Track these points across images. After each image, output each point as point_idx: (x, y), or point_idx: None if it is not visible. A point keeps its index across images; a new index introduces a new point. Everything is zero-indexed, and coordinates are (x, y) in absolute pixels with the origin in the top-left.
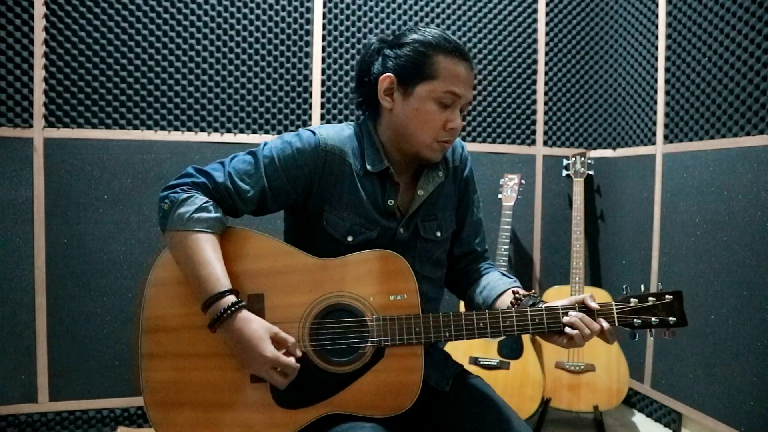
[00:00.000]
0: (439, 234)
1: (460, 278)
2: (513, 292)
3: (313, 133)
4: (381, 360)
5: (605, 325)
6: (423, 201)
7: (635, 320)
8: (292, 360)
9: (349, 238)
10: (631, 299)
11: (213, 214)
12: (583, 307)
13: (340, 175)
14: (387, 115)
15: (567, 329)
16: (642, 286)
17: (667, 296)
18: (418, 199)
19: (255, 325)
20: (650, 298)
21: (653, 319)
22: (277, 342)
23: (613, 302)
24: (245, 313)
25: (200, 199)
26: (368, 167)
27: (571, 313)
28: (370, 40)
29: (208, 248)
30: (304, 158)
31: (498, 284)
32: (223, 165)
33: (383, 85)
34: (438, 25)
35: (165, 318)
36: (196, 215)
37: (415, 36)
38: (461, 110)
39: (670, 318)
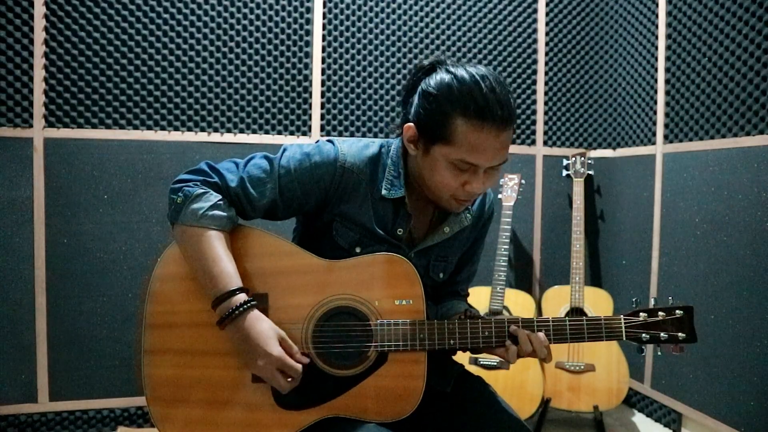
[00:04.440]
0: (441, 275)
1: (433, 298)
2: (465, 310)
3: (334, 146)
4: (384, 365)
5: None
6: (444, 239)
7: (644, 335)
8: (298, 364)
9: (357, 249)
10: (641, 313)
11: (226, 213)
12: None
13: (355, 194)
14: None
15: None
16: (652, 300)
17: (677, 312)
18: (442, 234)
19: (265, 325)
20: (660, 313)
21: (662, 334)
22: (283, 347)
23: (622, 316)
24: (256, 313)
25: (215, 196)
26: (383, 192)
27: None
28: (420, 61)
29: (219, 246)
30: (320, 172)
31: (459, 307)
32: (238, 167)
33: (407, 134)
34: (438, 26)
35: (169, 314)
36: (210, 212)
37: (444, 83)
38: (492, 168)
39: (680, 334)
